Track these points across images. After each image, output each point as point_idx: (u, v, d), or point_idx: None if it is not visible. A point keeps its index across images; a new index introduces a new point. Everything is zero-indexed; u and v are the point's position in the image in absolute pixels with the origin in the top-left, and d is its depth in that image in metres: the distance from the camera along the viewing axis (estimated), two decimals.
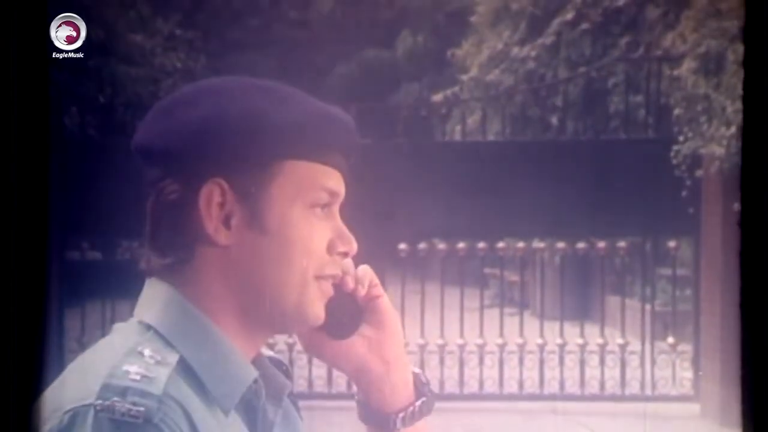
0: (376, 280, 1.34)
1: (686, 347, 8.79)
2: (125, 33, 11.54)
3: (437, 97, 13.44)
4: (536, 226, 8.87)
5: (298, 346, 1.31)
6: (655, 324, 8.99)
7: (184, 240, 1.23)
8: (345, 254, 1.29)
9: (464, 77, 13.29)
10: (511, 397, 8.70)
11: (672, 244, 8.96)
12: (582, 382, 8.75)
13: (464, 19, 15.15)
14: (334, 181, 1.27)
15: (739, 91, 7.34)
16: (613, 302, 9.80)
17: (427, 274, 9.10)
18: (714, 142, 7.72)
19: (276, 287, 1.24)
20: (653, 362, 8.72)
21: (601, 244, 9.00)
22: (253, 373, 1.25)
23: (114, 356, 1.17)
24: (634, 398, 8.58)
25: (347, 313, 1.31)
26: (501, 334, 8.92)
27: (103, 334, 1.27)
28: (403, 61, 20.79)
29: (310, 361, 8.31)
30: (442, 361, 8.81)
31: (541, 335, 8.91)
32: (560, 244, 9.14)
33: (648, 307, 9.08)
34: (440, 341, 8.88)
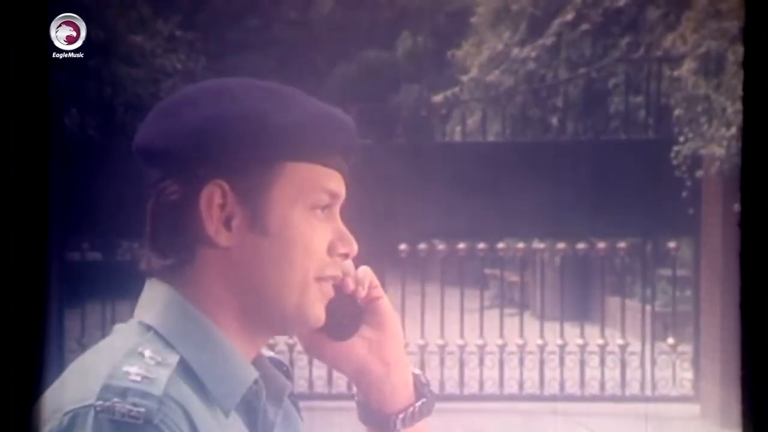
0: (376, 281, 1.34)
1: (686, 348, 8.79)
2: (125, 34, 11.55)
3: (437, 98, 13.44)
4: (536, 226, 8.88)
5: (299, 347, 1.32)
6: (655, 325, 9.00)
7: (185, 241, 1.23)
8: (345, 256, 1.29)
9: (464, 78, 13.30)
10: (511, 398, 8.70)
11: (672, 244, 8.96)
12: (582, 383, 8.75)
13: (464, 19, 15.16)
14: (334, 182, 1.27)
15: (740, 91, 7.34)
16: (614, 303, 9.80)
17: (427, 274, 9.10)
18: (714, 142, 7.72)
19: (276, 289, 1.24)
20: (653, 363, 8.72)
21: (602, 245, 9.00)
22: (254, 373, 1.25)
23: (114, 357, 1.17)
24: (634, 399, 8.58)
25: (347, 314, 1.31)
26: (501, 335, 8.92)
27: (104, 335, 1.27)
28: (403, 61, 20.80)
29: (310, 362, 8.31)
30: (442, 362, 8.81)
31: (542, 336, 8.91)
32: (560, 245, 9.14)
33: (648, 307, 9.08)
34: (440, 342, 8.88)
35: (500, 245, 9.19)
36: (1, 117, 1.56)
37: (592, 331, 9.02)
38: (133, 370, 1.15)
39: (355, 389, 1.37)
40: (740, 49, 7.24)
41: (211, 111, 1.24)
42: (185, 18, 14.73)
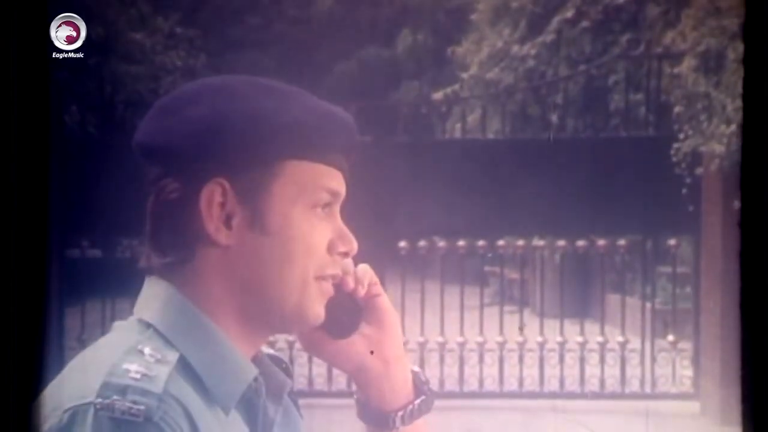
0: (376, 279, 1.34)
1: (686, 345, 8.79)
2: (125, 31, 11.54)
3: (437, 95, 13.44)
4: (536, 224, 8.87)
5: (299, 344, 1.32)
6: (655, 322, 8.99)
7: (185, 239, 1.23)
8: (345, 254, 1.29)
9: (464, 75, 13.29)
10: (511, 395, 8.70)
11: (672, 242, 8.96)
12: (582, 380, 8.75)
13: (464, 16, 15.15)
14: (335, 181, 1.27)
15: (739, 89, 7.34)
16: (613, 300, 9.80)
17: (427, 272, 9.10)
18: (714, 139, 7.72)
19: (276, 287, 1.24)
20: (653, 360, 8.72)
21: (601, 242, 9.00)
22: (254, 371, 1.25)
23: (114, 354, 1.17)
24: (634, 396, 8.58)
25: (347, 312, 1.31)
26: (501, 332, 8.92)
27: (103, 333, 1.27)
28: (404, 58, 20.79)
29: (310, 359, 8.31)
30: (442, 360, 8.81)
31: (541, 333, 8.91)
32: (560, 242, 9.13)
33: (648, 305, 9.08)
34: (440, 339, 8.88)
35: (500, 242, 9.18)
36: (1, 117, 1.56)
37: (592, 329, 9.02)
38: (133, 368, 1.15)
39: (354, 387, 1.37)
40: (740, 47, 7.25)
41: (212, 109, 1.24)
42: (185, 15, 14.73)
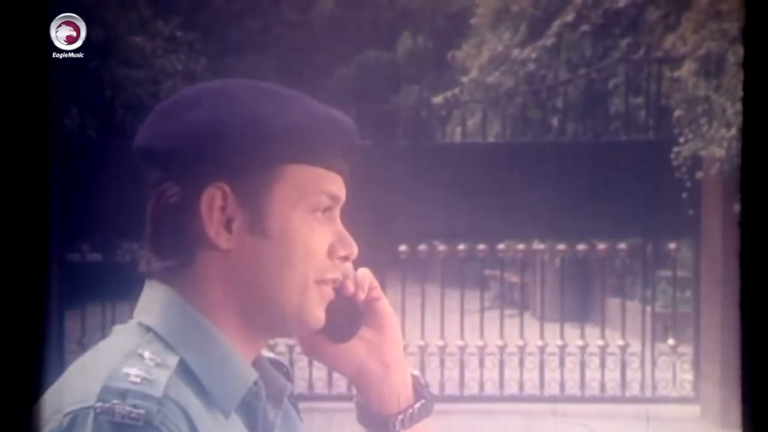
0: (376, 283, 1.34)
1: (686, 349, 8.79)
2: (126, 34, 11.56)
3: (437, 99, 13.46)
4: (536, 227, 8.88)
5: (299, 348, 1.32)
6: (655, 326, 9.00)
7: (185, 243, 1.23)
8: (345, 258, 1.29)
9: (464, 79, 13.31)
10: (511, 399, 8.70)
11: (672, 245, 8.96)
12: (582, 384, 8.75)
13: (464, 20, 15.18)
14: (335, 185, 1.27)
15: (740, 92, 7.34)
16: (614, 304, 9.80)
17: (427, 275, 9.10)
18: (714, 143, 7.72)
19: (276, 291, 1.24)
20: (654, 364, 8.72)
21: (602, 246, 9.00)
22: (254, 374, 1.25)
23: (114, 358, 1.17)
24: (634, 400, 8.58)
25: (347, 316, 1.31)
26: (501, 336, 8.92)
27: (103, 336, 1.27)
28: (404, 62, 20.81)
29: (310, 363, 8.31)
30: (442, 363, 8.81)
31: (542, 337, 8.91)
32: (561, 246, 9.14)
33: (648, 308, 9.08)
34: (440, 343, 8.88)
35: (500, 246, 9.18)
36: (1, 117, 1.56)
37: (593, 332, 9.02)
38: (133, 372, 1.15)
39: (354, 390, 1.37)
40: (740, 50, 7.24)
41: (212, 113, 1.24)
42: (185, 19, 14.74)
